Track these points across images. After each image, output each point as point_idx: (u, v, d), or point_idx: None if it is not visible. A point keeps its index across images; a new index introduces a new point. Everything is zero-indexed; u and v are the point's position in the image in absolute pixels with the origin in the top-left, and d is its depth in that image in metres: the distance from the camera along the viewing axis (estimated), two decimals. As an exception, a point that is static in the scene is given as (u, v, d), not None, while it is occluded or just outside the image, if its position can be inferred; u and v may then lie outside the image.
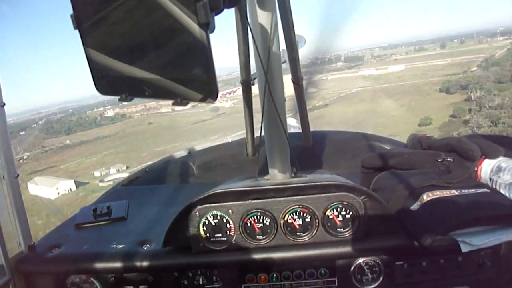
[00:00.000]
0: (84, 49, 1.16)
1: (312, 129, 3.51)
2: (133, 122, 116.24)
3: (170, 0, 0.93)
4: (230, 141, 3.93)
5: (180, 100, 1.02)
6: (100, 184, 56.94)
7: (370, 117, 74.81)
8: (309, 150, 3.53)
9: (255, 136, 3.38)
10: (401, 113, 77.58)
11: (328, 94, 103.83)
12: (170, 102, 1.05)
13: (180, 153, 3.88)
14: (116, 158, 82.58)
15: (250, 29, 1.76)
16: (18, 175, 2.10)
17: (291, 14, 2.16)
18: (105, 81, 1.21)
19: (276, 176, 2.15)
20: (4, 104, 2.02)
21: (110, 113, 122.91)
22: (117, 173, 61.57)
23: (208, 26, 0.91)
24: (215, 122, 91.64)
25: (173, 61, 1.03)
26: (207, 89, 0.99)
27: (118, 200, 2.83)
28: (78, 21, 1.11)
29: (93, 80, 1.20)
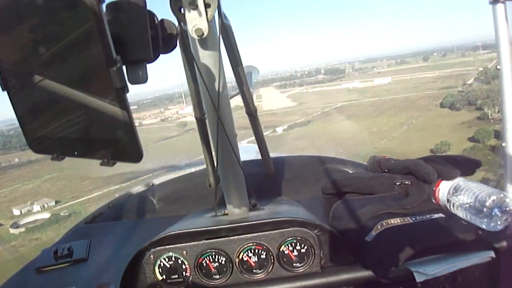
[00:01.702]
0: (14, 109, 1.11)
1: (296, 153, 5.69)
2: None
3: (89, 64, 0.92)
4: (193, 171, 3.36)
5: (107, 160, 0.98)
6: (12, 230, 50.77)
7: (367, 139, 61.32)
8: (271, 177, 3.02)
9: (215, 166, 2.79)
10: (404, 134, 64.50)
11: (310, 109, 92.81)
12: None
13: (143, 187, 3.16)
14: (53, 186, 71.31)
15: (197, 68, 1.64)
16: None
17: (237, 49, 2.04)
18: (37, 141, 1.14)
19: (234, 211, 2.00)
20: None
21: None
22: (38, 213, 54.12)
23: (124, 90, 0.88)
24: (180, 141, 79.97)
25: (97, 122, 0.99)
26: (131, 150, 0.96)
27: (80, 239, 2.47)
28: (5, 83, 1.06)
29: (26, 140, 1.14)
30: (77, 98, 0.97)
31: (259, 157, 3.24)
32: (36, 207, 55.51)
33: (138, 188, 3.22)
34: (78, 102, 0.98)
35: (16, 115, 1.10)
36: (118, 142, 0.97)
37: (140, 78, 0.94)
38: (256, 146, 3.45)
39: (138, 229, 2.66)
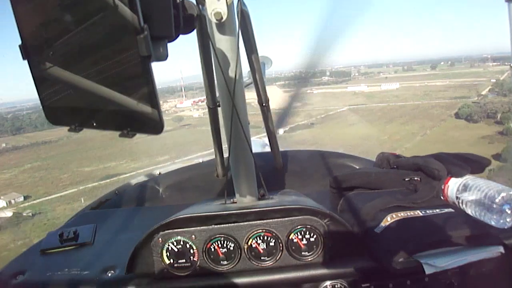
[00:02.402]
0: (33, 78, 1.12)
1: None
2: None
3: (115, 33, 0.91)
4: (201, 161, 3.41)
5: (127, 132, 0.97)
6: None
7: (377, 148, 53.33)
8: (278, 170, 3.07)
9: (224, 157, 2.95)
10: (418, 145, 57.52)
11: (314, 111, 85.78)
12: (118, 133, 0.99)
13: (150, 175, 3.28)
14: (30, 177, 61.70)
15: (214, 52, 1.65)
16: None
17: (253, 36, 2.04)
18: (55, 111, 1.16)
19: (243, 199, 2.02)
20: None
21: None
22: (4, 209, 47.26)
23: (149, 58, 0.87)
24: (173, 136, 73.37)
25: (118, 93, 0.98)
26: (152, 122, 0.94)
27: (86, 223, 2.52)
28: (26, 52, 1.07)
29: (44, 110, 1.16)
30: (99, 67, 0.97)
31: (265, 151, 3.41)
32: (2, 202, 48.97)
33: (144, 177, 3.25)
34: (99, 72, 0.97)
35: (35, 85, 1.10)
36: (140, 112, 0.94)
37: (161, 55, 0.92)
38: (262, 141, 4.03)
39: (144, 216, 2.66)
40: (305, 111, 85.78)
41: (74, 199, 45.71)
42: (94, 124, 1.03)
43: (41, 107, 1.12)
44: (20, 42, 1.04)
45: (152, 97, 0.91)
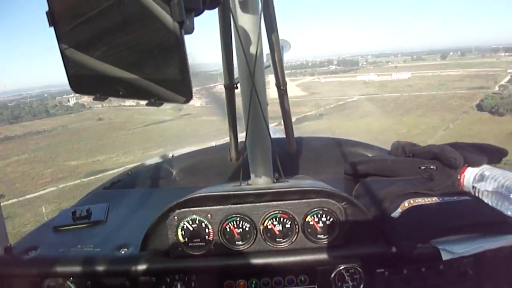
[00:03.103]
0: (59, 46, 1.11)
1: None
2: (85, 115, 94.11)
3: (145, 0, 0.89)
4: (214, 145, 3.37)
5: (154, 100, 0.96)
6: None
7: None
8: (292, 156, 3.08)
9: (238, 141, 2.97)
10: (442, 141, 45.22)
11: (322, 101, 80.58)
12: (145, 102, 0.98)
13: (163, 157, 3.32)
14: (12, 173, 55.47)
15: (235, 31, 1.66)
16: None
17: (275, 17, 2.02)
18: (79, 80, 1.16)
19: (258, 181, 2.02)
20: None
21: (73, 101, 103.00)
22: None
23: (182, 25, 0.85)
24: (171, 127, 69.05)
25: (147, 61, 0.97)
26: (181, 90, 0.92)
27: (99, 203, 2.53)
28: (53, 18, 1.05)
29: (68, 78, 1.16)
30: (127, 35, 0.95)
31: (278, 136, 3.35)
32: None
33: (157, 158, 3.28)
34: (128, 40, 0.96)
35: (60, 52, 1.08)
36: (169, 81, 0.93)
37: (188, 28, 0.88)
38: (275, 128, 3.91)
39: (157, 197, 2.66)
40: (312, 100, 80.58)
41: (49, 200, 40.67)
42: (121, 93, 1.02)
43: (66, 77, 1.10)
44: (47, 9, 1.02)
45: (182, 66, 0.88)
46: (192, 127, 59.56)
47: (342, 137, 3.24)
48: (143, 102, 0.95)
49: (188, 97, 0.90)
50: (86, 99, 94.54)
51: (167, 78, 0.92)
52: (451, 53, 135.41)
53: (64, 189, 43.93)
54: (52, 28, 1.05)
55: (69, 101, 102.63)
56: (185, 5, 0.84)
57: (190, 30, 0.88)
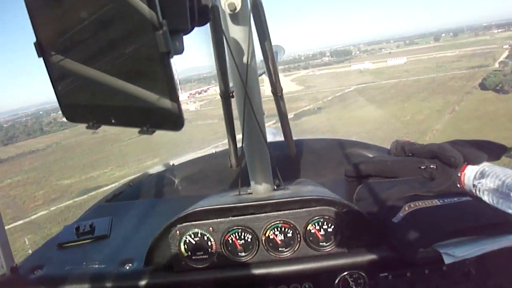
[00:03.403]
0: (50, 76, 1.10)
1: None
2: (79, 130, 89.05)
3: (132, 29, 0.89)
4: (214, 152, 3.38)
5: (146, 128, 0.95)
6: None
7: (402, 133, 44.65)
8: (292, 159, 3.07)
9: (238, 147, 2.93)
10: (451, 125, 47.84)
11: (319, 93, 78.33)
12: (137, 130, 0.97)
13: (164, 166, 3.29)
14: (5, 196, 54.92)
15: (226, 43, 1.67)
16: None
17: (267, 26, 2.03)
18: (72, 109, 1.16)
19: (258, 189, 2.00)
20: None
21: None
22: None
23: (169, 54, 0.84)
24: (166, 134, 56.18)
25: (137, 89, 0.95)
26: (172, 118, 0.91)
27: (102, 216, 2.52)
28: (41, 49, 1.05)
29: (61, 108, 1.15)
30: (117, 63, 0.95)
31: (277, 139, 3.30)
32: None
33: (157, 168, 3.25)
34: (118, 68, 0.96)
35: (51, 82, 1.09)
36: (160, 108, 0.92)
37: (178, 49, 0.89)
38: (274, 129, 3.79)
39: (160, 208, 2.62)
40: (308, 94, 78.38)
41: (41, 226, 38.95)
42: (113, 121, 1.01)
43: (58, 104, 1.10)
44: (35, 40, 1.03)
45: (172, 93, 0.88)
46: (188, 133, 56.95)
47: (343, 131, 3.63)
48: (136, 130, 0.95)
49: (179, 124, 0.90)
50: None
51: (158, 105, 0.91)
52: (443, 35, 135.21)
53: (56, 211, 42.07)
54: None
55: (63, 116, 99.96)
56: (173, 27, 0.84)
57: (179, 51, 0.88)
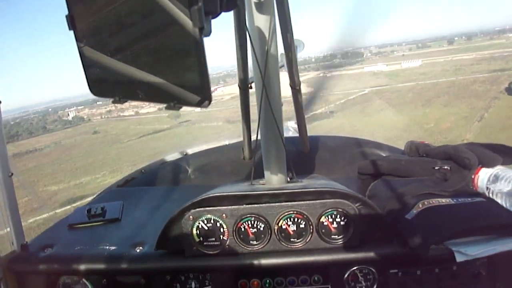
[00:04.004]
0: (79, 50, 1.11)
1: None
2: (82, 129, 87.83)
3: (165, 4, 0.88)
4: (227, 143, 3.43)
5: (173, 104, 0.96)
6: None
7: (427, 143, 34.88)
8: (306, 155, 3.15)
9: (252, 139, 3.01)
10: (483, 134, 41.15)
11: (332, 96, 69.90)
12: (164, 105, 1.00)
13: (176, 155, 3.38)
14: None
15: (248, 33, 1.68)
16: (12, 173, 2.00)
17: (289, 18, 2.03)
18: (99, 83, 1.17)
19: (272, 180, 2.03)
20: (0, 101, 1.87)
21: (72, 115, 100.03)
22: None
23: (202, 31, 0.85)
24: (167, 137, 61.31)
25: (167, 65, 0.97)
26: (200, 94, 0.93)
27: (113, 200, 2.60)
28: (73, 22, 1.06)
29: (87, 81, 1.17)
30: (147, 39, 0.96)
31: (290, 135, 3.40)
32: None
33: (171, 156, 3.32)
34: (147, 44, 0.96)
35: (80, 56, 1.09)
36: (188, 85, 0.92)
37: (205, 31, 0.87)
38: (288, 125, 3.86)
39: (172, 195, 2.69)
40: (319, 97, 70.95)
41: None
42: (140, 96, 1.02)
43: (85, 80, 1.11)
44: (67, 12, 1.02)
45: (202, 69, 0.88)
46: (190, 135, 53.80)
47: (361, 137, 3.08)
48: (162, 105, 0.95)
49: (207, 100, 0.90)
50: (87, 111, 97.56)
51: (187, 81, 0.91)
52: (456, 38, 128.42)
53: (32, 225, 36.48)
54: (60, 41, 1.12)
55: (68, 114, 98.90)
56: (204, 8, 0.84)
57: (208, 33, 0.87)
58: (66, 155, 62.70)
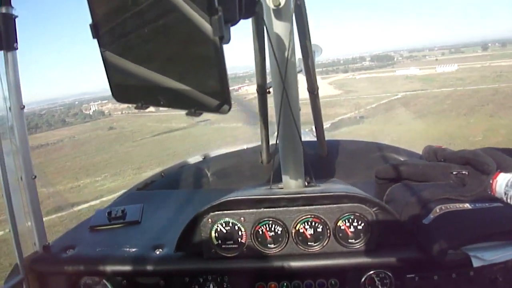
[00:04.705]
0: (102, 57, 1.15)
1: None
2: (100, 124, 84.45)
3: (187, 12, 0.89)
4: (245, 148, 3.48)
5: (194, 110, 0.98)
6: None
7: None
8: (323, 159, 3.18)
9: (270, 143, 3.06)
10: None
11: (361, 99, 65.57)
12: (184, 112, 1.01)
13: (196, 159, 3.44)
14: None
15: (268, 38, 1.69)
16: (35, 176, 2.04)
17: (307, 23, 2.05)
18: (121, 89, 1.20)
19: (290, 184, 2.05)
20: (24, 106, 1.96)
21: (93, 108, 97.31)
22: None
23: (222, 39, 0.86)
24: (182, 137, 57.08)
25: (188, 71, 1.00)
26: (220, 101, 0.94)
27: (133, 203, 2.62)
28: (96, 30, 1.10)
29: (110, 87, 1.20)
30: (169, 47, 0.98)
31: (309, 139, 3.33)
32: None
33: (190, 160, 3.34)
34: (169, 51, 0.99)
35: (103, 63, 1.12)
36: (208, 91, 0.93)
37: (225, 39, 0.89)
38: (305, 130, 3.75)
39: (191, 198, 2.71)
40: (348, 100, 66.67)
41: None
42: (162, 102, 1.03)
43: (108, 86, 1.15)
44: (91, 21, 1.05)
45: (222, 77, 0.89)
46: (205, 137, 49.15)
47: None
48: (183, 112, 0.96)
49: (227, 107, 0.91)
50: (110, 106, 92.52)
51: (207, 88, 0.93)
52: (489, 44, 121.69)
53: (4, 237, 32.09)
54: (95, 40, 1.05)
55: (90, 108, 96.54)
56: (224, 17, 0.85)
57: (227, 41, 0.87)
58: (75, 151, 59.13)
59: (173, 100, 1.01)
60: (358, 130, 46.30)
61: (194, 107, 0.95)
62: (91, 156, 53.90)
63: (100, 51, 1.10)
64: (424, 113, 52.32)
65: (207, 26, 0.84)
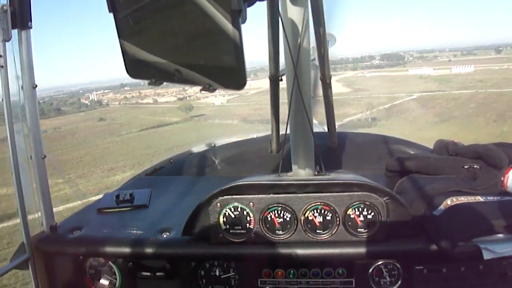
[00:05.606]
0: (118, 32, 1.13)
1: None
2: (92, 115, 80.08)
3: None
4: (255, 136, 3.37)
5: (209, 86, 0.95)
6: None
7: None
8: (333, 150, 3.06)
9: (280, 133, 2.96)
10: None
11: (372, 98, 58.60)
12: (199, 88, 0.99)
13: (205, 146, 3.33)
14: None
15: (282, 23, 1.62)
16: (45, 156, 1.97)
17: (322, 11, 2.00)
18: (136, 65, 1.18)
19: (299, 173, 1.98)
20: (36, 86, 1.89)
21: (92, 97, 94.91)
22: None
23: (240, 13, 0.83)
24: (169, 133, 51.67)
25: (204, 48, 0.97)
26: (236, 77, 0.92)
27: (141, 188, 2.58)
28: (112, 4, 1.07)
29: (125, 63, 1.18)
30: (184, 22, 0.95)
31: (319, 130, 3.18)
32: None
33: (199, 147, 3.24)
34: (185, 27, 0.96)
35: (118, 38, 1.10)
36: (224, 68, 0.92)
37: (242, 17, 0.86)
38: (316, 121, 3.38)
39: (199, 185, 2.65)
40: (358, 99, 60.10)
41: None
42: (176, 78, 1.01)
43: (123, 60, 1.12)
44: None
45: (238, 53, 0.87)
46: (197, 133, 43.31)
47: None
48: (198, 88, 0.96)
49: (242, 83, 0.89)
50: (111, 95, 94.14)
51: (223, 65, 0.90)
52: (501, 48, 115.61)
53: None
54: (104, 22, 1.06)
55: (89, 97, 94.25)
56: None
57: (244, 20, 0.85)
58: (53, 144, 52.54)
59: (188, 76, 0.97)
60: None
61: (209, 83, 0.93)
62: (66, 151, 48.45)
63: (116, 26, 1.08)
64: (446, 117, 46.17)
65: (224, 1, 0.82)
